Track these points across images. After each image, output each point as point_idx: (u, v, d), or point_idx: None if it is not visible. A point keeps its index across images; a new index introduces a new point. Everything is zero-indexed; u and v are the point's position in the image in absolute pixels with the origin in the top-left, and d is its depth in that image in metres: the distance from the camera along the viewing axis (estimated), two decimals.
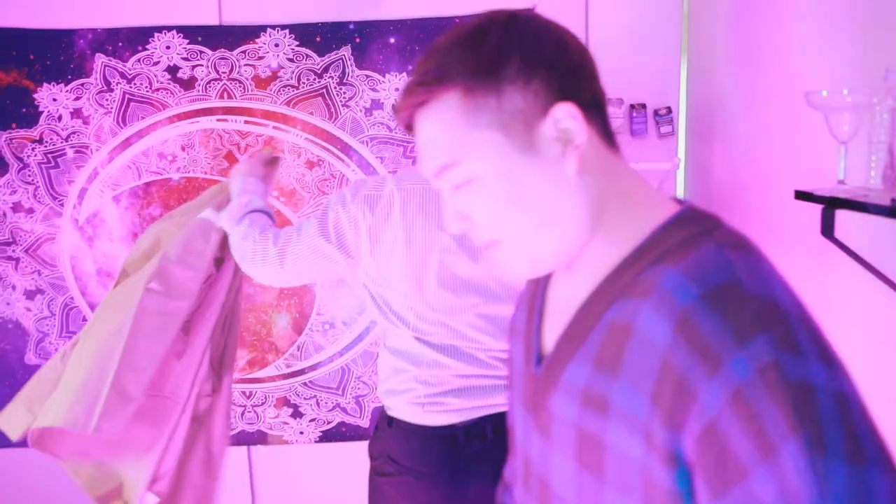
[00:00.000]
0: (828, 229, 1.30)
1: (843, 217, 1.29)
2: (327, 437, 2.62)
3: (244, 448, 2.68)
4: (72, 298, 2.56)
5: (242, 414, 2.62)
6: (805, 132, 1.58)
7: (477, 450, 1.50)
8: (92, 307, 2.56)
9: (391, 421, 1.55)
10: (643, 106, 2.38)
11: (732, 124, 2.10)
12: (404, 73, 2.39)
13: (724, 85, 2.15)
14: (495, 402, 1.52)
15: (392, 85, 2.40)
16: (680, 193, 2.56)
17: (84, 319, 2.57)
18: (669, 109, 2.39)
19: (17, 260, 2.54)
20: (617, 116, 2.37)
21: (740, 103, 2.03)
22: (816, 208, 1.32)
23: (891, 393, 1.26)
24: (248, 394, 2.60)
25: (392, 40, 2.38)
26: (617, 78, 2.36)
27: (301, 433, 2.63)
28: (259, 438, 2.65)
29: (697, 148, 2.39)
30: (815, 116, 1.29)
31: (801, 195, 1.34)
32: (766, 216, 1.85)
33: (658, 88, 2.40)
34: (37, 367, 2.55)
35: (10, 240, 2.53)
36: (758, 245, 0.69)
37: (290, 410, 2.61)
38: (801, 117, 1.55)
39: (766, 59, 1.86)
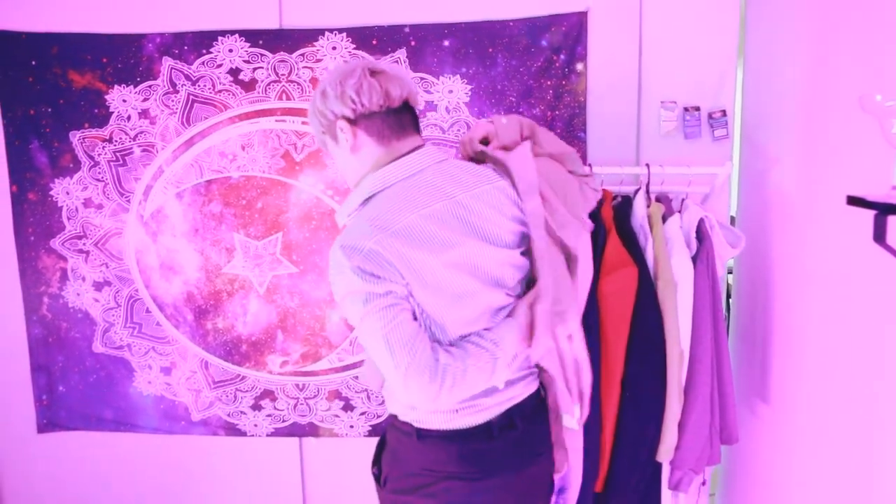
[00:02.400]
0: (880, 235, 1.29)
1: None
2: (377, 431, 2.68)
3: (296, 439, 2.76)
4: (136, 290, 2.68)
5: (295, 406, 2.70)
6: (859, 137, 1.56)
7: (510, 439, 1.54)
8: (155, 300, 2.67)
9: (420, 433, 1.54)
10: (697, 109, 2.36)
11: (787, 129, 2.07)
12: (458, 76, 2.43)
13: (781, 89, 2.12)
14: (519, 392, 1.58)
15: (445, 87, 2.44)
16: (734, 197, 2.54)
17: (147, 311, 2.68)
18: (724, 113, 2.36)
19: (87, 253, 2.67)
20: (670, 120, 2.36)
21: (796, 107, 2.01)
22: (869, 214, 1.31)
23: None
24: (301, 386, 2.68)
25: (446, 43, 2.42)
26: (671, 80, 2.36)
27: (351, 426, 2.69)
28: (310, 430, 2.72)
29: (752, 152, 2.36)
30: (870, 121, 1.28)
31: (854, 200, 1.33)
32: (818, 221, 1.83)
33: (713, 92, 2.38)
34: (104, 355, 2.69)
35: (81, 233, 2.66)
36: None
37: (342, 403, 2.68)
38: (855, 122, 1.53)
39: (822, 62, 1.84)
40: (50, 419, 2.80)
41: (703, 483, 2.21)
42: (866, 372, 1.58)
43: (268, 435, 2.74)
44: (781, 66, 2.13)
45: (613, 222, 2.05)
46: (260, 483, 2.81)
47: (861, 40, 1.63)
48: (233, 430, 2.74)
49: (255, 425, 2.73)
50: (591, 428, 1.96)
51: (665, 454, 2.01)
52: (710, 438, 2.05)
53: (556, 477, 1.77)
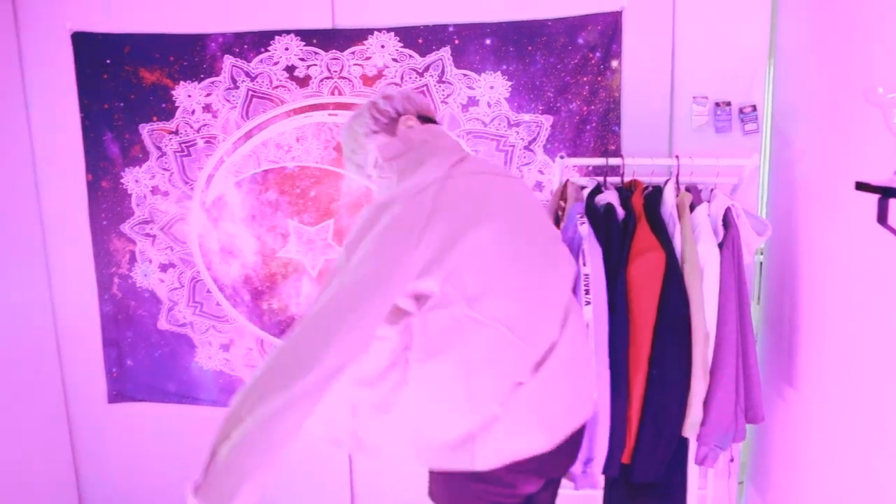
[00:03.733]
0: (882, 217, 1.39)
1: None
2: None
3: None
4: (198, 272, 2.89)
5: None
6: (877, 128, 1.66)
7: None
8: (215, 281, 2.87)
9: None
10: (728, 104, 2.46)
11: (815, 122, 2.16)
12: (498, 72, 2.57)
13: (810, 84, 2.21)
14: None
15: (487, 83, 2.58)
16: (763, 188, 2.62)
17: (208, 292, 2.89)
18: (754, 108, 2.46)
19: (154, 237, 2.89)
20: (701, 115, 2.47)
21: (823, 102, 2.10)
22: (875, 198, 1.41)
23: None
24: None
25: (488, 42, 2.56)
26: (703, 76, 2.47)
27: None
28: None
29: (781, 145, 2.45)
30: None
31: (861, 185, 1.43)
32: (844, 211, 1.92)
33: (744, 87, 2.48)
34: (168, 332, 2.90)
35: (149, 219, 2.87)
36: None
37: None
38: (874, 115, 1.63)
39: (850, 58, 1.93)
40: (119, 391, 3.03)
41: (731, 460, 2.31)
42: (891, 357, 1.68)
43: None
44: (811, 62, 2.22)
45: (644, 210, 2.17)
46: (311, 454, 3.00)
47: (887, 38, 1.72)
48: None
49: None
50: (619, 402, 2.09)
51: (690, 429, 2.12)
52: (736, 416, 2.16)
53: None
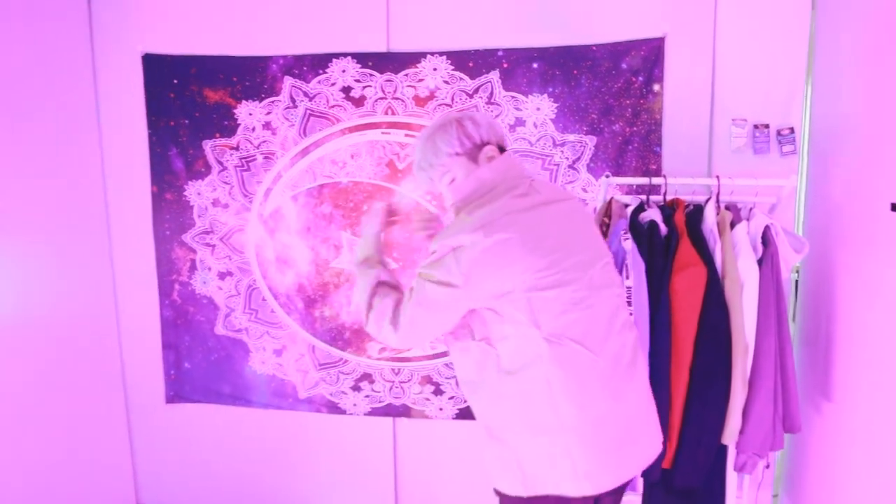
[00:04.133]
0: None
1: None
2: (463, 414, 2.96)
3: (390, 419, 3.06)
4: (254, 281, 3.04)
5: (391, 389, 3.00)
6: None
7: None
8: (270, 289, 3.02)
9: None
10: (766, 126, 2.57)
11: (852, 144, 2.26)
12: (545, 94, 2.69)
13: (847, 107, 2.31)
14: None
15: (533, 105, 2.71)
16: (800, 208, 2.72)
17: (263, 299, 3.04)
18: (792, 130, 2.56)
19: (214, 246, 3.05)
20: (740, 137, 2.58)
21: (861, 124, 2.20)
22: None
23: None
24: (396, 371, 2.98)
25: (535, 65, 2.69)
26: (742, 99, 2.58)
27: (440, 409, 2.98)
28: (404, 411, 3.02)
29: (819, 166, 2.55)
30: None
31: (895, 206, 1.54)
32: (880, 230, 2.02)
33: (782, 109, 2.58)
34: (225, 337, 3.06)
35: (209, 229, 3.04)
36: None
37: (432, 388, 2.97)
38: None
39: (885, 81, 2.03)
40: (176, 392, 3.19)
41: (767, 466, 2.39)
42: None
43: (365, 414, 3.06)
44: (848, 86, 2.32)
45: (686, 227, 2.28)
46: (356, 457, 3.13)
47: None
48: (334, 409, 3.07)
49: (355, 405, 3.05)
50: (661, 410, 2.19)
51: (729, 437, 2.22)
52: (774, 426, 2.25)
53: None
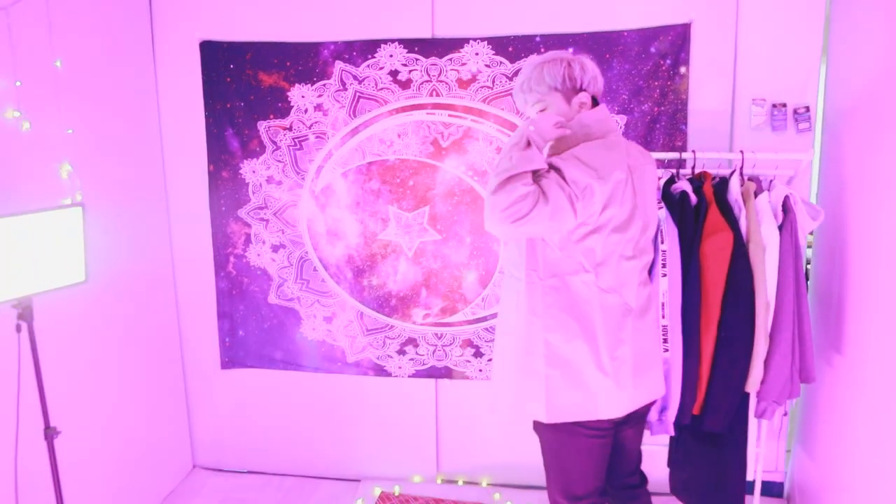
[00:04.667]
0: None
1: None
2: None
3: (433, 381, 3.31)
4: (306, 253, 3.27)
5: (434, 352, 3.24)
6: None
7: None
8: (321, 260, 3.26)
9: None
10: (784, 105, 2.80)
11: (864, 121, 2.49)
12: None
13: (859, 87, 2.54)
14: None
15: None
16: (814, 182, 2.95)
17: (314, 270, 3.27)
18: (808, 108, 2.79)
19: (267, 221, 3.28)
20: (759, 115, 2.81)
21: (872, 103, 2.43)
22: None
23: None
24: (439, 335, 3.22)
25: (570, 50, 2.91)
26: (761, 81, 2.81)
27: (480, 370, 3.22)
28: (445, 373, 3.27)
29: (833, 141, 2.78)
30: None
31: None
32: (888, 199, 2.25)
33: (798, 90, 2.81)
34: (277, 306, 3.29)
35: (263, 205, 3.27)
36: None
37: (473, 350, 3.21)
38: None
39: (894, 62, 2.25)
40: (231, 358, 3.43)
41: (785, 414, 2.64)
42: None
43: (409, 376, 3.30)
44: (860, 67, 2.55)
45: (713, 197, 2.52)
46: (400, 417, 3.37)
47: None
48: (380, 371, 3.31)
49: (399, 367, 3.29)
50: (691, 361, 2.44)
51: (752, 386, 2.46)
52: (791, 376, 2.49)
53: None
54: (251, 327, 3.39)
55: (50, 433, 2.19)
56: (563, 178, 1.78)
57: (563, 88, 1.97)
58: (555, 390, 1.92)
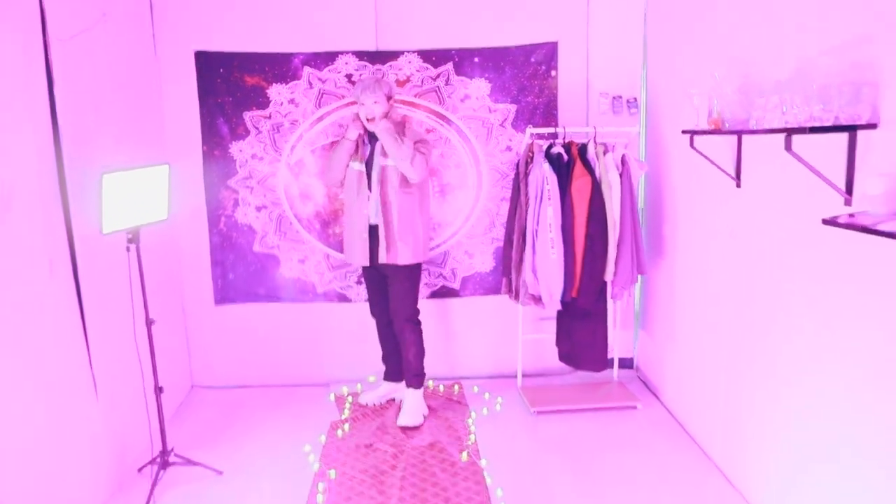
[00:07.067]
0: (691, 144, 3.10)
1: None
2: (435, 294, 4.39)
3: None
4: (283, 211, 4.31)
5: None
6: (692, 105, 3.38)
7: None
8: (295, 216, 4.31)
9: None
10: (620, 96, 4.18)
11: (664, 104, 3.89)
12: (483, 78, 4.16)
13: (662, 82, 3.95)
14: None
15: (476, 85, 4.17)
16: (642, 145, 4.36)
17: (290, 224, 4.32)
18: (636, 99, 4.18)
19: (252, 188, 4.29)
20: (604, 103, 4.17)
21: (664, 91, 3.83)
22: (688, 138, 3.12)
23: None
24: None
25: (476, 59, 4.15)
26: (605, 79, 4.18)
27: None
28: None
29: (653, 120, 4.19)
30: (689, 95, 3.10)
31: (685, 132, 3.14)
32: (680, 155, 3.64)
33: (629, 85, 4.20)
34: (260, 253, 4.32)
35: (249, 176, 4.28)
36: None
37: None
38: (689, 96, 3.34)
39: (673, 62, 3.66)
40: (223, 296, 4.40)
41: (630, 296, 4.00)
42: (715, 227, 3.41)
43: (365, 300, 4.41)
44: (660, 68, 3.95)
45: (578, 155, 3.84)
46: (360, 333, 4.46)
47: (694, 43, 3.44)
48: (343, 298, 4.41)
49: (357, 294, 4.40)
50: (568, 260, 3.74)
51: (608, 275, 3.80)
52: (632, 269, 3.85)
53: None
54: (239, 271, 4.38)
55: (150, 322, 3.15)
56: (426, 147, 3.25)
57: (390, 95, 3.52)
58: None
